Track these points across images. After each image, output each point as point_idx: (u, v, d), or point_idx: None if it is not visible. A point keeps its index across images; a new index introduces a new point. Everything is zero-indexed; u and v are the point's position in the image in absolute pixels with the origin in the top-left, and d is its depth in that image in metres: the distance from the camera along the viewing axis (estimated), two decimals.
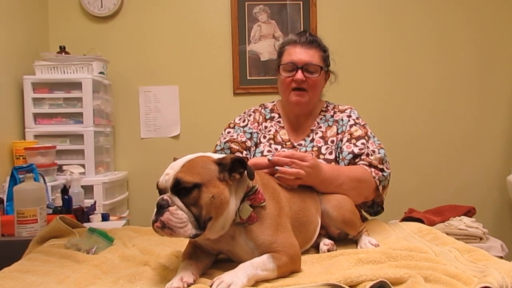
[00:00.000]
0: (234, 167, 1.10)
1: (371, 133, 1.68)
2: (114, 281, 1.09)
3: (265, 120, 1.78)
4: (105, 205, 2.50)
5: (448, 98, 3.10)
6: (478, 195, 3.06)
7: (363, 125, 1.69)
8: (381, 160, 1.59)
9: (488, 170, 3.11)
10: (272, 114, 1.79)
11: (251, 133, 1.73)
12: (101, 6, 2.95)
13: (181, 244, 1.34)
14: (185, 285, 1.01)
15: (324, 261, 1.20)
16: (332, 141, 1.68)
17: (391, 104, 3.09)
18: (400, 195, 2.74)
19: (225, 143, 1.69)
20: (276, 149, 1.68)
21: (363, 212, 1.71)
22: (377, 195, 1.62)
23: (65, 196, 1.98)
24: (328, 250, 1.31)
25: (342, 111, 1.75)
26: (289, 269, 1.10)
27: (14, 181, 1.83)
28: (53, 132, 2.55)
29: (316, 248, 1.36)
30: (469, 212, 2.62)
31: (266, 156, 1.55)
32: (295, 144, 1.71)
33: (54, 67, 2.57)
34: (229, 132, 1.73)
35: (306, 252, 1.31)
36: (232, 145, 1.68)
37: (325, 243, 1.35)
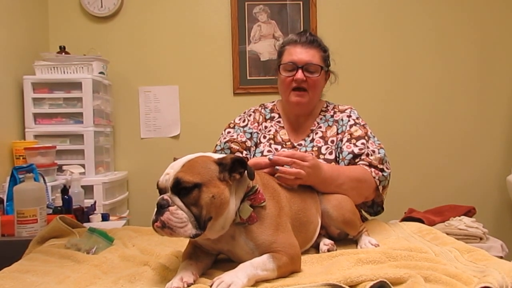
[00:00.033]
0: (234, 167, 1.10)
1: (371, 133, 1.68)
2: (114, 281, 1.09)
3: (265, 120, 1.78)
4: (105, 205, 2.50)
5: (448, 98, 3.10)
6: (478, 195, 3.06)
7: (363, 125, 1.69)
8: (381, 160, 1.59)
9: (488, 170, 3.11)
10: (272, 114, 1.79)
11: (251, 133, 1.73)
12: (101, 6, 2.95)
13: (181, 244, 1.34)
14: (185, 285, 1.01)
15: (324, 261, 1.20)
16: (332, 141, 1.68)
17: (391, 104, 3.09)
18: (400, 195, 2.74)
19: (225, 143, 1.69)
20: (276, 149, 1.68)
21: (363, 212, 1.71)
22: (377, 195, 1.62)
23: (65, 196, 1.98)
24: (328, 250, 1.31)
25: (342, 111, 1.75)
26: (289, 269, 1.10)
27: (14, 181, 1.83)
28: (53, 132, 2.55)
29: (316, 248, 1.36)
30: (469, 212, 2.62)
31: (266, 156, 1.55)
32: (295, 144, 1.71)
33: (54, 67, 2.57)
34: (229, 132, 1.73)
35: (306, 252, 1.31)
36: (232, 145, 1.68)
37: (325, 243, 1.35)
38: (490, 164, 3.11)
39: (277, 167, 1.34)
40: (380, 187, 1.58)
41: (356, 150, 1.60)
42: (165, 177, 1.06)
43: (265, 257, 1.07)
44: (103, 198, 2.50)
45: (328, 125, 1.72)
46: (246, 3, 3.02)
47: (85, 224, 1.75)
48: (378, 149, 1.61)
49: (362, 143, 1.62)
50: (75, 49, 2.80)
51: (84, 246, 1.35)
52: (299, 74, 1.65)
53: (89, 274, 1.14)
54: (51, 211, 1.88)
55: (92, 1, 2.94)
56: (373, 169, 1.56)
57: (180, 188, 1.03)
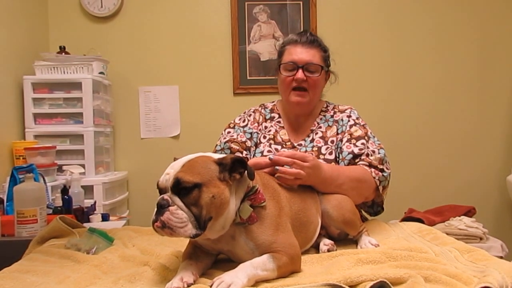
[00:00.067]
0: (235, 167, 1.10)
1: (371, 133, 1.68)
2: (114, 281, 1.09)
3: (265, 120, 1.78)
4: (105, 205, 2.50)
5: (448, 98, 3.10)
6: (478, 195, 3.06)
7: (363, 125, 1.69)
8: (381, 160, 1.59)
9: (488, 170, 3.11)
10: (272, 114, 1.79)
11: (251, 133, 1.73)
12: (101, 6, 2.95)
13: (181, 244, 1.34)
14: (185, 285, 1.01)
15: (324, 261, 1.20)
16: (332, 141, 1.68)
17: (391, 104, 3.09)
18: (400, 195, 2.74)
19: (225, 143, 1.69)
20: (276, 149, 1.68)
21: (363, 212, 1.71)
22: (377, 195, 1.62)
23: (65, 196, 1.98)
24: (328, 250, 1.31)
25: (342, 111, 1.75)
26: (289, 269, 1.10)
27: (14, 181, 1.83)
28: (53, 132, 2.55)
29: (316, 248, 1.36)
30: (469, 212, 2.62)
31: (266, 156, 1.55)
32: (295, 144, 1.71)
33: (54, 67, 2.57)
34: (229, 132, 1.73)
35: (306, 252, 1.31)
36: (232, 145, 1.68)
37: (325, 243, 1.35)
38: (490, 164, 3.11)
39: (277, 167, 1.34)
40: (380, 187, 1.57)
41: (356, 150, 1.60)
42: (165, 177, 1.06)
43: (265, 257, 1.07)
44: (103, 198, 2.50)
45: (328, 125, 1.72)
46: (246, 3, 3.02)
47: (85, 224, 1.75)
48: (378, 149, 1.61)
49: (362, 143, 1.62)
50: (75, 49, 2.80)
51: (84, 246, 1.35)
52: (300, 74, 1.65)
53: (89, 274, 1.14)
54: (51, 211, 1.88)
55: (92, 1, 2.94)
56: (373, 169, 1.56)
57: (180, 188, 1.03)
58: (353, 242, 1.43)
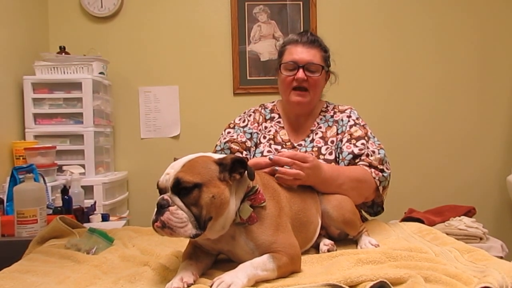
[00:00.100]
0: (235, 167, 1.10)
1: (371, 133, 1.68)
2: (114, 281, 1.09)
3: (265, 120, 1.78)
4: (105, 205, 2.50)
5: (448, 98, 3.11)
6: (478, 195, 3.06)
7: (363, 125, 1.69)
8: (381, 161, 1.59)
9: (488, 170, 3.11)
10: (272, 115, 1.79)
11: (251, 133, 1.73)
12: (101, 7, 2.95)
13: (181, 244, 1.34)
14: (185, 285, 1.01)
15: (324, 261, 1.20)
16: (332, 142, 1.68)
17: (391, 104, 3.09)
18: (400, 195, 2.74)
19: (225, 143, 1.69)
20: (276, 150, 1.68)
21: (363, 212, 1.71)
22: (377, 196, 1.62)
23: (65, 196, 1.98)
24: (328, 250, 1.31)
25: (342, 111, 1.75)
26: (289, 269, 1.10)
27: (14, 181, 1.83)
28: (53, 132, 2.55)
29: (316, 248, 1.36)
30: (469, 212, 2.62)
31: (266, 156, 1.55)
32: (295, 144, 1.71)
33: (54, 67, 2.57)
34: (229, 132, 1.73)
35: (306, 252, 1.31)
36: (232, 145, 1.67)
37: (325, 243, 1.35)
38: (490, 164, 3.11)
39: (277, 167, 1.34)
40: (380, 188, 1.57)
41: (356, 151, 1.60)
42: (165, 177, 1.06)
43: (265, 257, 1.07)
44: (103, 198, 2.50)
45: (328, 126, 1.72)
46: (246, 3, 3.02)
47: (85, 224, 1.75)
48: (378, 150, 1.61)
49: (362, 144, 1.62)
50: (75, 49, 2.80)
51: (84, 246, 1.35)
52: (300, 73, 1.65)
53: (89, 274, 1.13)
54: (51, 211, 1.88)
55: (92, 1, 2.94)
56: (373, 170, 1.56)
57: (180, 188, 1.03)
58: (353, 242, 1.43)
